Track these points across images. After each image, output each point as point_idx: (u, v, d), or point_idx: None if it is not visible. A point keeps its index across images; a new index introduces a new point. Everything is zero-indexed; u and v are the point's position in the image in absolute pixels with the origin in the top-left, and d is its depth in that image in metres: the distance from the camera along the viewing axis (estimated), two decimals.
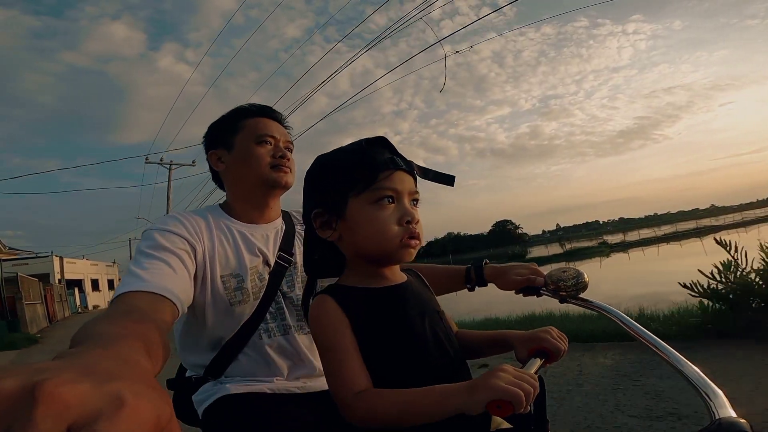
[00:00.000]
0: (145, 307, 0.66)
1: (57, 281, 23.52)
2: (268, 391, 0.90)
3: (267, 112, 1.03)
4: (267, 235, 1.00)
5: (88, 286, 30.63)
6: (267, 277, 0.96)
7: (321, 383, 0.95)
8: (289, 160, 1.01)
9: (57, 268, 24.90)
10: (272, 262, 0.97)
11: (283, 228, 1.04)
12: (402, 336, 0.63)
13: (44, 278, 20.29)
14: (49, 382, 0.21)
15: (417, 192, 0.68)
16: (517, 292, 0.88)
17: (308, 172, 0.72)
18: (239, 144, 0.99)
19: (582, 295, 0.80)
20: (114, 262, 39.11)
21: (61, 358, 0.30)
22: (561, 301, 0.82)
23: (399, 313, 0.65)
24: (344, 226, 0.67)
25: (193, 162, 19.62)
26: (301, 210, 1.04)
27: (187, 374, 0.99)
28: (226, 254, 0.93)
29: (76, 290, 27.22)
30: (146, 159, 18.41)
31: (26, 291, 13.29)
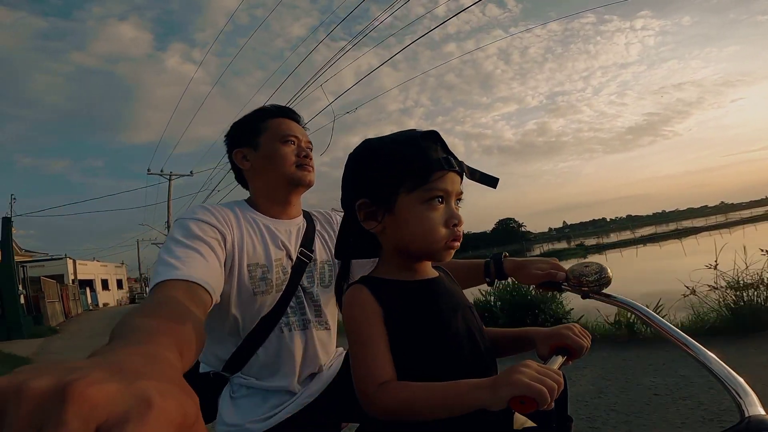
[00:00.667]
0: (181, 297, 0.67)
1: (71, 281, 25.75)
2: (287, 417, 0.94)
3: (288, 114, 1.08)
4: (290, 231, 1.04)
5: (98, 286, 32.93)
6: (289, 270, 0.99)
7: (324, 380, 1.02)
8: (311, 159, 1.06)
9: (70, 270, 27.17)
10: (294, 257, 1.01)
11: (305, 226, 1.08)
12: (436, 330, 0.63)
13: (59, 278, 22.46)
14: (80, 383, 0.21)
15: (462, 192, 0.69)
16: (538, 287, 0.87)
17: (354, 156, 0.70)
18: (265, 143, 1.02)
19: (605, 291, 0.79)
20: (122, 263, 41.54)
21: (94, 356, 0.31)
22: (583, 297, 0.81)
23: (433, 308, 0.66)
24: (390, 220, 0.66)
25: (191, 172, 21.66)
26: (321, 210, 1.14)
27: (201, 368, 1.01)
28: (253, 245, 0.96)
29: (88, 289, 29.44)
30: (148, 171, 20.47)
31: (47, 291, 15.50)
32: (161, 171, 20.69)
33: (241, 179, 1.10)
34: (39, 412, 0.20)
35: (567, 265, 0.86)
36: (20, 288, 11.51)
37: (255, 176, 1.05)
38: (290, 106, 1.14)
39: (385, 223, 0.67)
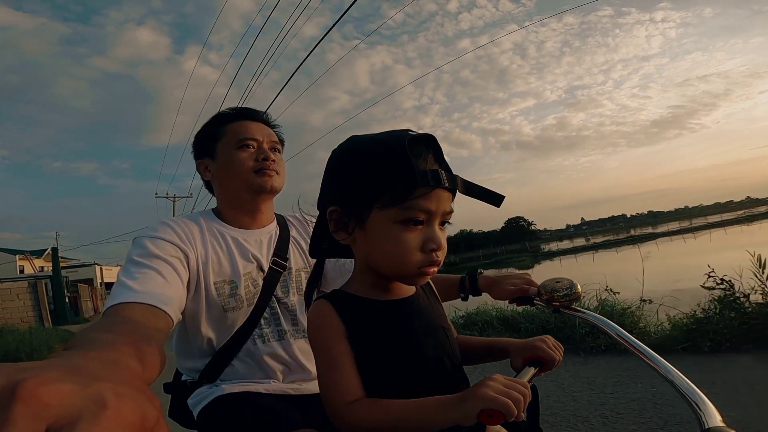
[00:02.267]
0: (138, 319, 0.65)
1: (98, 284, 31.68)
2: (263, 391, 0.91)
3: (248, 114, 1.02)
4: (261, 240, 1.00)
5: None
6: (261, 282, 0.95)
7: (315, 386, 0.89)
8: (274, 161, 0.98)
9: (98, 274, 33.15)
10: (266, 268, 0.97)
11: (278, 233, 1.03)
12: (402, 355, 0.60)
13: (89, 282, 28.25)
14: (30, 381, 0.21)
15: (451, 211, 0.60)
16: (510, 302, 0.88)
17: (334, 155, 0.64)
18: (221, 151, 0.98)
19: (575, 306, 0.80)
20: None
21: (50, 359, 0.30)
22: (554, 311, 0.83)
23: (402, 330, 0.62)
24: (361, 234, 0.60)
25: (190, 194, 26.89)
26: (297, 215, 1.10)
27: (183, 378, 1.00)
28: (219, 260, 0.92)
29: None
30: (155, 194, 25.82)
31: (81, 293, 21.41)
32: (166, 194, 26.07)
33: (210, 189, 1.07)
34: None
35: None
36: (65, 292, 17.43)
37: (218, 186, 1.02)
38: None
39: (355, 236, 0.61)
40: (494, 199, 0.62)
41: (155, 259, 0.81)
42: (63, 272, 19.40)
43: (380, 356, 0.59)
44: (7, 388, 0.21)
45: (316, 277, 0.73)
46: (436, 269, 0.61)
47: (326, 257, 0.73)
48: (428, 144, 0.59)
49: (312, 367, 0.97)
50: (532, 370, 0.62)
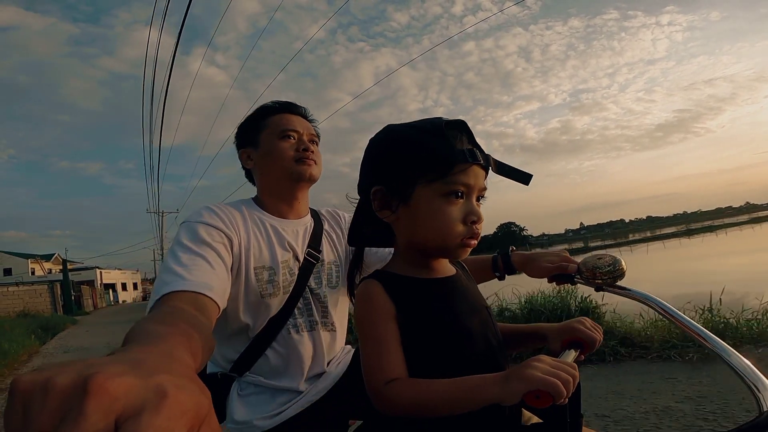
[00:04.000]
0: (188, 308, 0.68)
1: (98, 285, 37.15)
2: (294, 413, 0.94)
3: (289, 108, 1.08)
4: (297, 231, 1.04)
5: (119, 288, 44.90)
6: (297, 272, 0.99)
7: (331, 378, 1.02)
8: (313, 152, 1.04)
9: (98, 277, 38.68)
10: (301, 258, 1.01)
11: (312, 226, 1.08)
12: (452, 333, 0.62)
13: (90, 283, 33.77)
14: (99, 376, 0.23)
15: (485, 188, 0.65)
16: (549, 280, 0.86)
17: (374, 142, 0.68)
18: (264, 141, 1.04)
19: (619, 283, 0.78)
20: (137, 270, 53.52)
21: (112, 354, 0.32)
22: (597, 290, 0.80)
23: (450, 309, 0.64)
24: (405, 211, 0.64)
25: (177, 210, 32.04)
26: (330, 209, 1.17)
27: (208, 369, 1.02)
28: (260, 247, 0.96)
29: (111, 291, 41.11)
30: (147, 210, 30.99)
31: (84, 292, 27.27)
32: (155, 210, 31.29)
33: (250, 178, 1.12)
34: (62, 405, 0.22)
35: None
36: (71, 293, 23.74)
37: (258, 174, 1.07)
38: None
39: (399, 213, 0.65)
40: (523, 177, 0.67)
41: (203, 245, 0.84)
42: (69, 274, 24.85)
43: (429, 334, 0.61)
44: (80, 384, 0.23)
45: (357, 262, 0.77)
46: (476, 242, 0.65)
47: (366, 245, 0.76)
48: (461, 128, 0.65)
49: (330, 357, 1.03)
50: (573, 353, 0.62)
